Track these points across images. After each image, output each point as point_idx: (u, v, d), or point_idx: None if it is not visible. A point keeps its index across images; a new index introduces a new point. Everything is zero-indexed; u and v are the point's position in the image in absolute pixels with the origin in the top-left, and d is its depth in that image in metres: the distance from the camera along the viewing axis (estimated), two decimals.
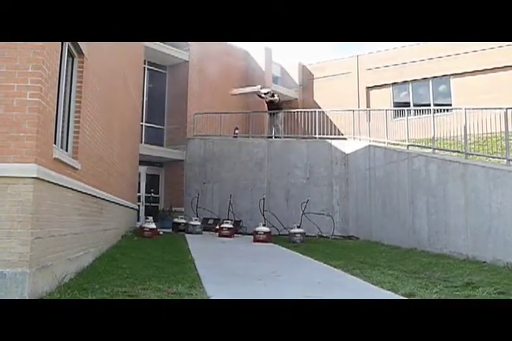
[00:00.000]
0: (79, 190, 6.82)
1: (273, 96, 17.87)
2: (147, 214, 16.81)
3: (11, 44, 4.91)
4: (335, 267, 8.18)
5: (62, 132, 6.42)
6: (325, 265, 8.56)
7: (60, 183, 5.78)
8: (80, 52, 6.92)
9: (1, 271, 4.67)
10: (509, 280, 6.64)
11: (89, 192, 7.55)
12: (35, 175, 4.82)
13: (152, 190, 18.27)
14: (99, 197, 8.52)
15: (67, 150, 6.63)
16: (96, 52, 7.85)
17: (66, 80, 6.55)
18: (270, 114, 17.95)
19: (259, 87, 18.99)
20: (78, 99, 6.98)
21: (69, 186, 6.21)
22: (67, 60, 6.51)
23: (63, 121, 6.45)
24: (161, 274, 6.93)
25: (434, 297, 5.48)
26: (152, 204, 18.36)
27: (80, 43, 6.65)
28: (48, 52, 5.14)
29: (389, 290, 6.03)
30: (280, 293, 5.75)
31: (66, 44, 6.29)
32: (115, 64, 10.50)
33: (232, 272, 7.71)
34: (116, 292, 5.49)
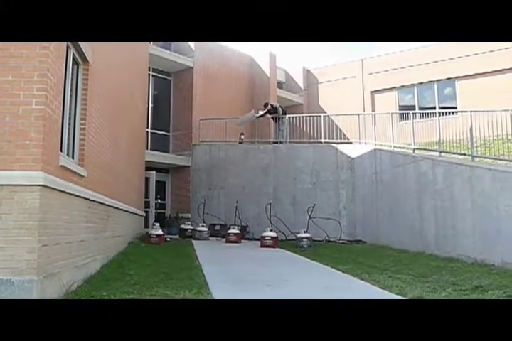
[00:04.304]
0: (85, 197, 6.84)
1: (266, 105, 18.07)
2: (156, 220, 16.81)
3: (17, 53, 4.97)
4: (343, 272, 8.15)
5: (68, 139, 6.44)
6: (333, 270, 8.52)
7: (67, 191, 5.80)
8: (85, 60, 6.96)
9: (8, 278, 4.68)
10: None
11: (96, 199, 7.56)
12: (41, 183, 4.84)
13: (159, 197, 18.29)
14: (106, 204, 8.53)
15: (73, 158, 6.65)
16: (101, 59, 7.89)
17: (72, 88, 6.58)
18: (275, 119, 17.98)
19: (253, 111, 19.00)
20: (84, 106, 7.01)
21: (75, 193, 6.23)
22: (72, 68, 6.55)
23: (69, 129, 6.49)
24: (169, 280, 6.93)
25: None
26: (159, 211, 18.38)
27: (84, 50, 6.69)
28: (52, 60, 5.17)
29: (397, 294, 6.00)
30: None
31: (71, 51, 6.34)
32: (120, 71, 10.55)
33: (239, 278, 7.69)
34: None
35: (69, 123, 6.45)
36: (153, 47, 17.31)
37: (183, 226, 15.69)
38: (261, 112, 18.24)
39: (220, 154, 17.74)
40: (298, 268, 9.21)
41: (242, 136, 18.81)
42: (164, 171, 19.17)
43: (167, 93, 19.52)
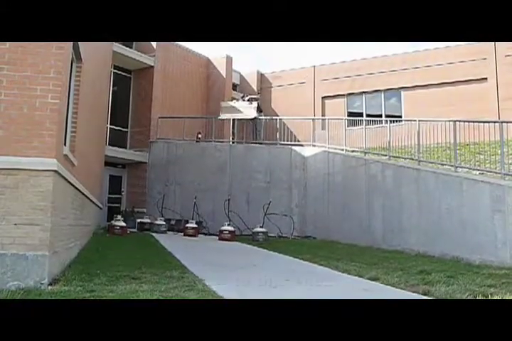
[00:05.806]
0: (75, 185, 7.39)
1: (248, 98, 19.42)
2: (110, 214, 17.19)
3: (35, 51, 5.50)
4: (302, 260, 8.99)
5: (66, 131, 6.98)
6: (293, 258, 9.35)
7: (66, 177, 6.36)
8: (79, 58, 7.51)
9: (23, 253, 5.23)
10: (455, 268, 7.72)
11: (79, 188, 8.09)
12: (55, 169, 5.43)
13: (123, 190, 18.75)
14: (83, 194, 9.04)
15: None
16: (85, 56, 8.40)
17: (69, 84, 7.11)
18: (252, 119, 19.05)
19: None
20: (76, 101, 7.57)
21: (70, 181, 6.79)
22: (71, 66, 7.08)
23: (66, 121, 7.02)
24: (148, 263, 7.53)
25: (396, 280, 6.38)
26: (114, 205, 18.73)
27: (81, 49, 7.23)
28: (63, 58, 5.74)
29: (356, 275, 6.92)
30: (263, 278, 6.44)
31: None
32: (95, 67, 11.00)
33: (211, 262, 8.41)
34: (118, 275, 6.11)
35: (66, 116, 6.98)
36: (115, 45, 17.65)
37: (141, 219, 16.24)
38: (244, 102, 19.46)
39: (178, 151, 18.34)
40: (261, 256, 10.00)
41: (200, 135, 19.44)
42: (121, 166, 19.51)
43: (127, 90, 19.86)
